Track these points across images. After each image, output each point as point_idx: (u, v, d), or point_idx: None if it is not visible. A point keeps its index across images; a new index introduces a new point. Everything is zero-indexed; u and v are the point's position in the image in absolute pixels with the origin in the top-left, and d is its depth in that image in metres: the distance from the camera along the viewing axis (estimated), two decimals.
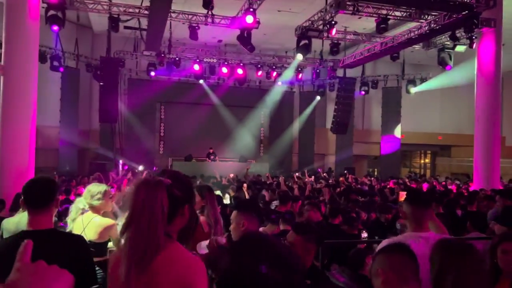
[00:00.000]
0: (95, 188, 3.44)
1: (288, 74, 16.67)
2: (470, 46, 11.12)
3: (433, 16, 10.51)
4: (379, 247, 2.19)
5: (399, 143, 17.98)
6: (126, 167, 13.57)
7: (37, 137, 8.53)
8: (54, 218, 2.19)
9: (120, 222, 4.17)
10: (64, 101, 14.65)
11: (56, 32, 11.24)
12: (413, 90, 16.96)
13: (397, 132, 17.95)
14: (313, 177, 12.82)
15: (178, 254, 1.49)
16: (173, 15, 11.37)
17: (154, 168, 14.88)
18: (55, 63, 13.52)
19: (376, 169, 20.39)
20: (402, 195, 6.79)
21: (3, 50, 7.98)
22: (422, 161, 23.61)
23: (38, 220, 2.05)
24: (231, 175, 12.85)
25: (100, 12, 11.45)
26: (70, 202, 4.60)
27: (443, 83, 15.73)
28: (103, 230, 3.33)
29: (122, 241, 1.48)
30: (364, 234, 4.13)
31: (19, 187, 2.36)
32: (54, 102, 14.28)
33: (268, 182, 10.60)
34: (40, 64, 9.86)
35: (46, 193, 2.10)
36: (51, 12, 9.43)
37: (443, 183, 12.32)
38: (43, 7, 8.93)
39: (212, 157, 15.80)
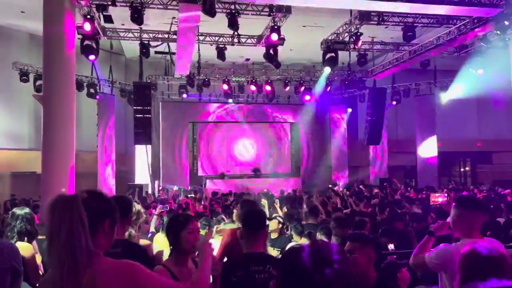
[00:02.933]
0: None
1: (317, 88, 16.63)
2: (504, 48, 10.75)
3: (462, 21, 10.30)
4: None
5: (436, 151, 17.45)
6: (160, 188, 13.88)
7: (76, 162, 8.89)
8: None
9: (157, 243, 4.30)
10: (100, 126, 15.22)
11: (93, 61, 11.81)
12: (444, 98, 16.50)
13: (433, 140, 17.46)
14: (345, 190, 12.65)
15: (112, 265, 1.52)
16: (201, 37, 11.71)
17: (188, 188, 15.14)
18: (92, 91, 14.14)
19: (413, 180, 19.83)
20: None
21: (42, 81, 8.45)
22: (462, 169, 22.76)
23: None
24: (265, 190, 12.91)
25: (131, 40, 11.95)
26: None
27: (476, 89, 15.18)
28: None
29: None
30: (391, 246, 4.02)
31: None
32: (92, 127, 14.86)
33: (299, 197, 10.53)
34: (77, 91, 10.36)
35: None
36: (86, 42, 9.91)
37: (484, 192, 11.82)
38: (78, 38, 9.41)
39: (258, 173, 16.00)
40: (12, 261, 2.54)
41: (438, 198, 6.63)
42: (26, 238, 3.25)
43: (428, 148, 17.45)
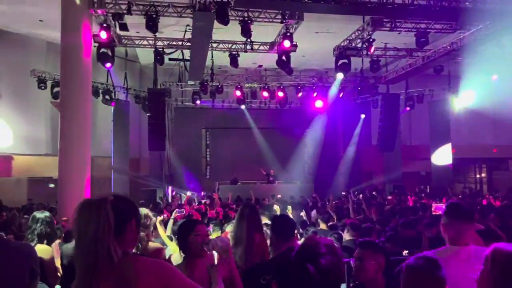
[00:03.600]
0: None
1: (330, 94, 16.61)
2: None
3: (475, 27, 10.24)
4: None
5: (450, 157, 17.25)
6: (174, 193, 14.00)
7: (91, 167, 9.07)
8: None
9: (170, 246, 4.36)
10: (115, 132, 15.43)
11: (109, 69, 12.05)
12: (459, 103, 16.31)
13: (447, 146, 17.27)
14: (361, 195, 12.61)
15: (148, 263, 1.60)
16: (214, 44, 11.85)
17: (202, 193, 15.23)
18: (107, 97, 14.38)
19: (428, 186, 19.61)
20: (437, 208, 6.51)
21: (60, 88, 8.66)
22: (478, 176, 22.43)
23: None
24: (279, 196, 12.94)
25: (146, 47, 12.16)
26: None
27: (491, 95, 14.95)
28: (152, 253, 3.51)
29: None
30: (405, 252, 4.03)
31: None
32: (107, 133, 15.09)
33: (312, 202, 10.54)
34: (93, 98, 10.57)
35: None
36: (102, 50, 10.12)
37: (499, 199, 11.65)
38: (94, 46, 9.62)
39: (271, 179, 16.00)
40: (31, 263, 2.62)
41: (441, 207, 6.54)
42: (45, 241, 3.35)
43: (442, 156, 17.26)
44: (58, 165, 8.43)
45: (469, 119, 17.65)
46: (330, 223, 5.92)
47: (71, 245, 3.99)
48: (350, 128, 18.43)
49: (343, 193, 13.67)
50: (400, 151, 17.75)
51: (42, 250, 3.09)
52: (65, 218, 5.95)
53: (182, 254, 2.61)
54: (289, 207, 8.47)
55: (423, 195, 13.67)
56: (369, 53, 11.01)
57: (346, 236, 4.54)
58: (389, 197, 12.44)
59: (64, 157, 8.39)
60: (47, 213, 3.49)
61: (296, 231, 5.24)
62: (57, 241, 3.99)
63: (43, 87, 13.31)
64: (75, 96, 8.49)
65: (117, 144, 15.46)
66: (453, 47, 11.13)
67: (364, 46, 10.62)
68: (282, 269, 1.23)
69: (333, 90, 16.35)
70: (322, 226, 5.90)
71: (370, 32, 10.16)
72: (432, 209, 6.62)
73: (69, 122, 8.40)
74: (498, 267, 1.63)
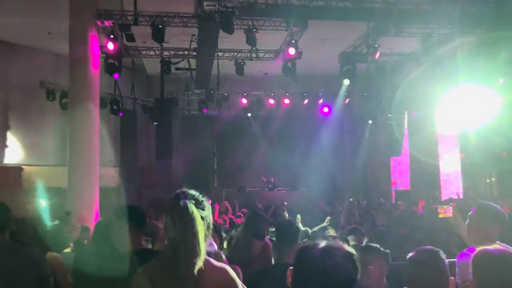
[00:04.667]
0: None
1: (337, 100, 16.59)
2: None
3: (482, 30, 10.21)
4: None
5: (459, 165, 17.10)
6: None
7: (100, 177, 9.15)
8: None
9: None
10: (123, 141, 15.54)
11: (117, 79, 12.19)
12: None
13: (456, 150, 17.13)
14: (365, 202, 12.57)
15: (215, 266, 1.74)
16: (220, 53, 11.94)
17: (210, 201, 15.25)
18: (115, 107, 14.51)
19: (437, 191, 19.43)
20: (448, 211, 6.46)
21: (69, 99, 8.79)
22: (488, 180, 22.18)
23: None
24: (285, 203, 12.91)
25: (153, 57, 12.29)
26: None
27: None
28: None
29: None
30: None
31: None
32: (115, 143, 15.22)
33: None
34: (100, 109, 10.69)
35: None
36: (109, 61, 10.25)
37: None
38: (102, 57, 9.75)
39: (270, 186, 16.01)
40: (41, 270, 2.66)
41: (446, 211, 6.49)
42: (55, 249, 3.39)
43: (451, 162, 17.14)
44: (68, 175, 8.52)
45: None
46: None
47: (69, 254, 4.01)
48: (358, 134, 18.38)
49: (351, 199, 13.61)
50: (408, 156, 17.65)
51: (52, 257, 3.13)
52: (78, 225, 6.00)
53: None
54: (299, 216, 8.47)
55: (431, 200, 13.57)
56: (374, 58, 11.03)
57: (351, 241, 4.54)
58: (399, 202, 12.39)
59: (73, 167, 8.48)
60: (56, 222, 3.54)
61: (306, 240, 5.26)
62: (68, 249, 4.03)
63: (51, 98, 13.48)
64: (84, 108, 8.60)
65: (124, 153, 15.57)
66: (458, 51, 11.10)
67: (369, 52, 10.65)
68: (299, 262, 1.27)
69: (341, 96, 16.31)
70: (332, 232, 5.91)
71: (375, 38, 10.19)
72: (440, 211, 6.58)
73: (78, 133, 8.51)
74: None
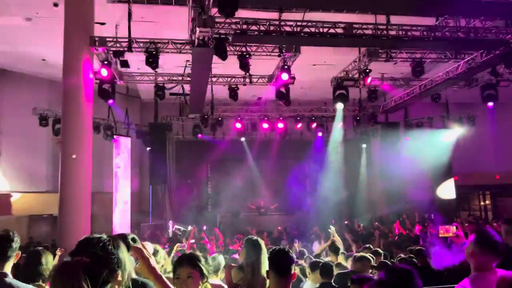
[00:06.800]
0: None
1: (334, 124, 16.53)
2: None
3: (470, 55, 10.42)
4: None
5: (453, 183, 17.14)
6: (175, 228, 13.84)
7: (93, 203, 9.03)
8: None
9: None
10: (116, 167, 15.42)
11: (112, 105, 12.20)
12: (458, 131, 16.33)
13: (449, 172, 17.19)
14: (362, 225, 12.49)
15: None
16: (214, 79, 12.03)
17: (204, 227, 15.06)
18: (108, 133, 14.48)
19: (432, 214, 19.37)
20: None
21: (61, 126, 8.75)
22: (482, 203, 22.20)
23: None
24: (279, 228, 12.78)
25: (147, 83, 12.36)
26: None
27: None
28: None
29: None
30: None
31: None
32: (108, 168, 15.09)
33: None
34: (94, 134, 10.65)
35: None
36: (103, 86, 10.27)
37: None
38: (96, 83, 9.77)
39: (262, 210, 15.87)
40: None
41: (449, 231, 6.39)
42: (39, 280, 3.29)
43: (446, 190, 17.17)
44: (59, 202, 8.39)
45: (470, 145, 17.63)
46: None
47: None
48: (351, 157, 18.40)
49: (346, 222, 13.53)
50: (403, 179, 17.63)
51: None
52: (62, 249, 5.87)
53: None
54: (296, 241, 8.39)
55: (426, 224, 13.49)
56: (366, 84, 11.15)
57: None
58: (394, 225, 12.30)
59: (64, 194, 8.37)
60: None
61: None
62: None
63: (44, 124, 13.44)
64: (76, 133, 8.56)
65: (118, 179, 15.41)
66: (449, 75, 11.28)
67: (361, 76, 10.78)
68: None
69: (336, 121, 16.27)
70: (332, 258, 5.83)
71: (366, 63, 10.34)
72: (440, 231, 6.49)
73: (70, 159, 8.43)
74: None
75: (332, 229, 6.72)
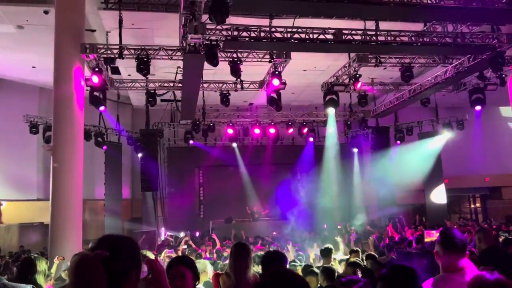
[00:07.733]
0: None
1: (328, 129, 16.54)
2: (501, 84, 10.99)
3: (457, 60, 10.59)
4: None
5: (444, 188, 17.30)
6: (167, 235, 13.80)
7: (84, 210, 8.98)
8: None
9: None
10: (108, 174, 15.34)
11: (103, 112, 12.15)
12: (448, 135, 16.50)
13: (440, 177, 17.35)
14: (353, 228, 12.57)
15: None
16: (205, 85, 12.07)
17: (196, 233, 15.01)
18: (99, 139, 14.41)
19: (424, 217, 19.51)
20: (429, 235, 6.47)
21: (52, 134, 8.71)
22: (472, 206, 22.43)
23: None
24: (274, 233, 12.80)
25: (138, 89, 12.34)
26: None
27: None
28: None
29: None
30: None
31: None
32: (99, 175, 15.02)
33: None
34: (85, 141, 10.60)
35: None
36: (94, 93, 10.23)
37: (494, 226, 11.66)
38: (87, 90, 9.74)
39: (256, 216, 15.86)
40: None
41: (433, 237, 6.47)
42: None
43: (435, 185, 17.31)
44: (50, 210, 8.33)
45: (459, 149, 17.83)
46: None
47: None
48: (343, 162, 18.48)
49: (339, 226, 13.58)
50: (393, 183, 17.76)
51: None
52: (60, 258, 5.83)
53: None
54: (290, 245, 8.42)
55: (419, 227, 13.60)
56: (356, 89, 11.27)
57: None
58: (388, 228, 12.39)
59: (55, 201, 8.31)
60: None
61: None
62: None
63: (35, 132, 13.34)
64: (67, 141, 8.52)
65: (109, 186, 15.34)
66: (438, 80, 11.43)
67: (351, 81, 10.90)
68: None
69: (329, 125, 16.29)
70: (324, 261, 5.86)
71: (356, 68, 10.45)
72: (426, 238, 6.59)
73: (61, 166, 8.39)
74: None
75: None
